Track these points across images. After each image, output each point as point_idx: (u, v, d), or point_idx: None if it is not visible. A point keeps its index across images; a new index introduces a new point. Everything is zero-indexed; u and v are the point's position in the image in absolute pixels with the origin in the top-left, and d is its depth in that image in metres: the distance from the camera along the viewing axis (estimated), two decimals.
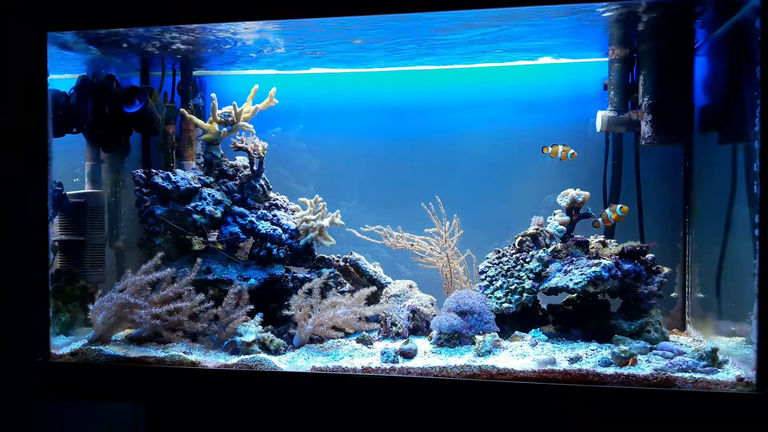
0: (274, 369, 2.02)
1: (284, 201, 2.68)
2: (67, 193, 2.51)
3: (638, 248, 2.24)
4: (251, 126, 2.56)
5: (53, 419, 2.49)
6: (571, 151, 2.39)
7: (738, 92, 1.99)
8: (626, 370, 1.87)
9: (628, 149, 2.56)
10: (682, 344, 2.19)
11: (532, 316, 2.41)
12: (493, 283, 2.38)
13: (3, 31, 2.38)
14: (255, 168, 2.59)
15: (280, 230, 2.50)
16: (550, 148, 2.42)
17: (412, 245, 2.59)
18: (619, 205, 2.34)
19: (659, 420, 1.76)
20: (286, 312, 2.26)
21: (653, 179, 2.55)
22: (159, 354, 2.13)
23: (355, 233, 2.61)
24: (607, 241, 2.42)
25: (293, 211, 2.61)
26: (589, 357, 2.01)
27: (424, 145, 2.82)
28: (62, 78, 2.56)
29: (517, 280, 2.35)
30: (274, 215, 2.56)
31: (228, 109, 2.54)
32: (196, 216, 2.47)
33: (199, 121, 2.60)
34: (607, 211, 2.37)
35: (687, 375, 1.84)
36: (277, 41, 2.36)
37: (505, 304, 2.31)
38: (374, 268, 2.63)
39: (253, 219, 2.51)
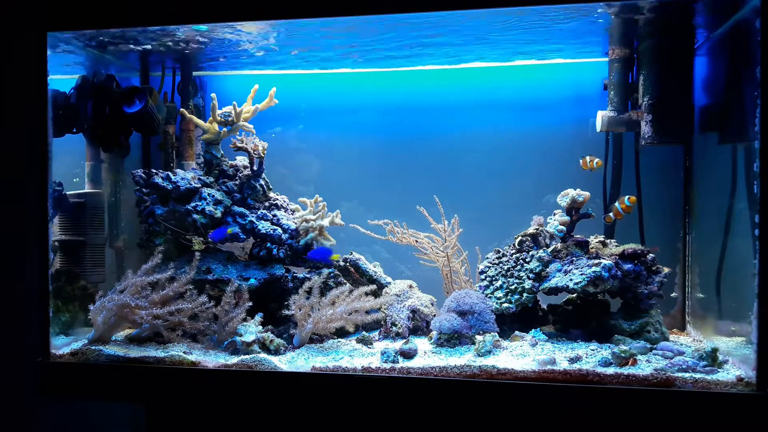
0: (274, 369, 2.02)
1: (284, 201, 2.68)
2: (67, 193, 2.51)
3: (639, 251, 2.24)
4: (251, 126, 2.56)
5: (53, 419, 2.49)
6: (597, 159, 2.41)
7: (738, 92, 2.00)
8: (626, 370, 1.87)
9: (628, 149, 2.56)
10: (682, 344, 2.19)
11: (532, 316, 2.41)
12: (493, 283, 2.38)
13: (3, 31, 2.38)
14: (255, 168, 2.59)
15: (280, 230, 2.50)
16: (587, 158, 2.44)
17: (417, 241, 2.60)
18: (627, 196, 2.33)
19: (659, 420, 1.77)
20: (286, 312, 2.26)
21: (653, 179, 2.55)
22: (159, 354, 2.13)
23: (359, 229, 2.62)
24: (607, 240, 2.42)
25: (293, 211, 2.61)
26: (589, 357, 2.01)
27: (424, 145, 2.82)
28: (62, 78, 2.56)
29: (517, 280, 2.35)
30: (274, 215, 2.56)
31: (228, 109, 2.54)
32: (196, 216, 2.47)
33: (199, 121, 2.60)
34: (616, 204, 2.36)
35: (687, 375, 1.84)
36: (277, 41, 2.36)
37: (505, 304, 2.32)
38: (374, 268, 2.63)
39: (253, 219, 2.51)
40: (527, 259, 2.38)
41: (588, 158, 2.42)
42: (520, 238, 2.45)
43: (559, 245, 2.41)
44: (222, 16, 2.07)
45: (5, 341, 2.47)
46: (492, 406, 1.86)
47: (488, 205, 2.74)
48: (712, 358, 1.92)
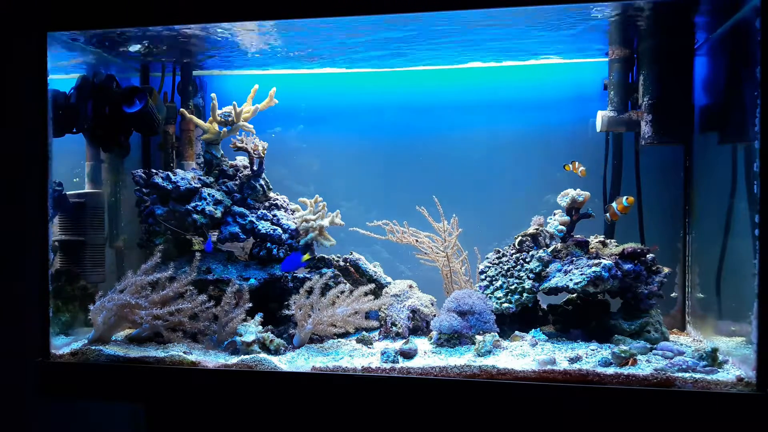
0: (274, 369, 2.02)
1: (284, 201, 2.68)
2: (67, 193, 2.51)
3: (639, 250, 2.24)
4: (251, 126, 2.56)
5: (53, 419, 2.49)
6: (582, 168, 2.42)
7: (738, 92, 2.00)
8: (626, 370, 1.87)
9: (628, 149, 2.56)
10: (682, 344, 2.19)
11: (532, 316, 2.41)
12: (493, 283, 2.38)
13: (3, 31, 2.38)
14: (255, 168, 2.59)
15: (280, 230, 2.50)
16: (570, 166, 2.44)
17: (417, 240, 2.60)
18: (625, 197, 2.34)
19: (659, 420, 1.77)
20: (286, 312, 2.26)
21: (653, 179, 2.55)
22: (159, 354, 2.13)
23: (358, 231, 2.61)
24: (607, 240, 2.42)
25: (293, 211, 2.61)
26: (589, 357, 2.01)
27: (424, 144, 2.82)
28: (62, 78, 2.56)
29: (517, 280, 2.35)
30: (274, 215, 2.56)
31: (228, 109, 2.54)
32: (196, 216, 2.47)
33: (199, 121, 2.60)
34: (614, 204, 2.36)
35: (687, 375, 1.84)
36: (277, 41, 2.36)
37: (505, 304, 2.31)
38: (374, 268, 2.63)
39: (253, 219, 2.51)
40: (527, 259, 2.38)
41: (576, 164, 2.42)
42: (520, 238, 2.45)
43: (559, 245, 2.41)
44: (222, 16, 2.07)
45: (5, 341, 2.47)
46: (492, 406, 1.86)
47: (488, 205, 2.74)
48: (712, 358, 1.92)
